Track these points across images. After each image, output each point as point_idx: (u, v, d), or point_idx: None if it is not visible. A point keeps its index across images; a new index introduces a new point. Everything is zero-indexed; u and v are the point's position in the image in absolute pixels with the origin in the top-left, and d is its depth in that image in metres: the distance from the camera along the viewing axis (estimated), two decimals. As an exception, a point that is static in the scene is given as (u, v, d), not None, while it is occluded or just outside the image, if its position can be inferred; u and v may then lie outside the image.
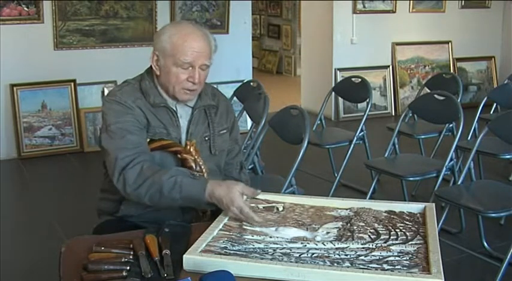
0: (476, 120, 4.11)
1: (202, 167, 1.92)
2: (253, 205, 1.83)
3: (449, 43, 7.24)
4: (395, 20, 6.88)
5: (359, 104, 6.30)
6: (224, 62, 5.84)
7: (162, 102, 1.95)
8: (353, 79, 4.28)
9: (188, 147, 1.94)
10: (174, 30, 1.92)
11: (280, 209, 1.81)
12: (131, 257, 1.50)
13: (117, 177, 1.82)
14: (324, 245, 1.55)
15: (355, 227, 1.66)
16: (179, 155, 1.92)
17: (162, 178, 1.78)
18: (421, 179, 3.53)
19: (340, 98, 5.54)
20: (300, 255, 1.48)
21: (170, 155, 1.93)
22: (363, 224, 1.69)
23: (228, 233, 1.62)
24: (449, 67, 7.24)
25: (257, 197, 1.87)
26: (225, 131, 2.08)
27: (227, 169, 2.11)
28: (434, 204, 1.81)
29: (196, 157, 1.93)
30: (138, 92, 1.95)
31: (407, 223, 1.70)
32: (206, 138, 2.01)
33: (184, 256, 1.46)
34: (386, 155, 3.71)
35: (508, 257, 2.71)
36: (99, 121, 4.42)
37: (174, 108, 1.98)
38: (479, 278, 3.10)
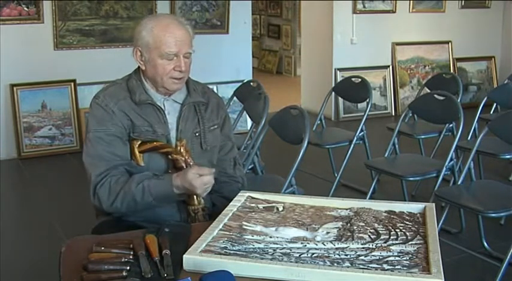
0: (476, 120, 4.11)
1: None
2: (253, 205, 1.83)
3: (449, 43, 7.24)
4: (395, 20, 6.88)
5: (359, 104, 6.30)
6: (224, 62, 5.84)
7: (147, 100, 1.97)
8: (353, 79, 4.28)
9: (178, 148, 1.95)
10: (153, 23, 1.95)
11: (280, 209, 1.81)
12: (131, 257, 1.50)
13: (92, 196, 1.92)
14: (324, 245, 1.55)
15: (355, 227, 1.66)
16: (170, 156, 1.94)
17: (131, 187, 1.87)
18: (421, 179, 3.53)
19: (340, 98, 5.54)
20: (300, 255, 1.48)
21: (159, 156, 1.95)
22: (363, 224, 1.69)
23: (228, 233, 1.62)
24: (449, 67, 7.24)
25: (257, 197, 1.89)
26: (215, 127, 2.09)
27: (221, 165, 2.12)
28: (434, 204, 1.81)
29: (186, 157, 1.94)
30: (125, 91, 1.98)
31: (407, 223, 1.70)
32: (197, 134, 2.03)
33: (184, 256, 1.46)
34: (386, 155, 3.72)
35: (508, 257, 2.71)
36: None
37: (162, 106, 1.99)
38: (479, 278, 3.10)
